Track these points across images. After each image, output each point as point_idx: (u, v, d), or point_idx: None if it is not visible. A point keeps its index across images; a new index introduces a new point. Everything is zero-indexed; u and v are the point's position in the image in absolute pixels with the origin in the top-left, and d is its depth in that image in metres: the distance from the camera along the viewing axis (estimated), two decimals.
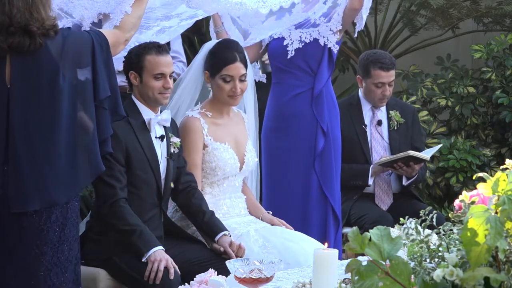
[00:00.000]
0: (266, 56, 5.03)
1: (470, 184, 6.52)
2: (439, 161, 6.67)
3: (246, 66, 4.29)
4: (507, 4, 7.19)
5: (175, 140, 4.07)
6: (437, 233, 2.37)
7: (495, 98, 6.77)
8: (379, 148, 5.33)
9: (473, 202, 2.32)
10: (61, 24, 3.82)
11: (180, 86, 4.44)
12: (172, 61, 4.06)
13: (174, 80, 4.48)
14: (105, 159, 3.70)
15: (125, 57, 4.03)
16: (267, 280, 2.87)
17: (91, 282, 3.89)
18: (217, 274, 3.10)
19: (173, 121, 4.15)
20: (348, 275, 2.22)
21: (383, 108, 5.39)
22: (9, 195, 3.37)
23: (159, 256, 3.75)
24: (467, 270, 2.15)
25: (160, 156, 4.00)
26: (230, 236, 4.01)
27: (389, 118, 5.37)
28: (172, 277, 3.73)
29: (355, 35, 5.06)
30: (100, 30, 3.66)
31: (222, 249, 3.94)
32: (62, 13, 3.84)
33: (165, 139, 4.02)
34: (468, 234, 2.10)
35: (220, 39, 4.55)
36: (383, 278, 2.12)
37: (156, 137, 4.00)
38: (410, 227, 2.38)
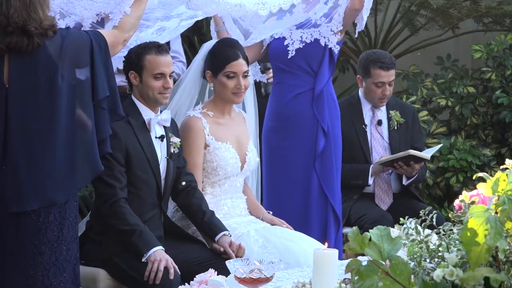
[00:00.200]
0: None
1: (470, 184, 6.52)
2: (439, 161, 6.67)
3: (248, 63, 4.30)
4: (507, 4, 7.19)
5: (175, 140, 4.07)
6: (437, 233, 2.37)
7: (495, 98, 6.77)
8: (379, 148, 5.33)
9: (473, 202, 2.32)
10: (64, 23, 3.83)
11: (180, 87, 4.45)
12: (172, 61, 4.06)
13: (175, 81, 4.49)
14: (105, 159, 3.71)
15: (125, 57, 4.03)
16: (267, 280, 2.87)
17: (91, 282, 3.89)
18: (217, 274, 3.10)
19: (173, 121, 4.15)
20: (348, 275, 2.22)
21: (383, 108, 5.39)
22: (7, 195, 3.38)
23: (159, 256, 3.75)
24: (467, 270, 2.15)
25: (160, 156, 4.00)
26: (230, 236, 4.01)
27: (389, 118, 5.37)
28: (172, 277, 3.73)
29: (356, 36, 5.06)
30: (99, 30, 3.66)
31: (222, 249, 3.94)
32: (64, 12, 3.84)
33: (165, 139, 4.02)
34: (468, 234, 2.10)
35: (218, 39, 4.56)
36: (383, 278, 2.12)
37: (156, 137, 4.00)
38: (410, 227, 2.38)
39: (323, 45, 4.71)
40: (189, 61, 4.90)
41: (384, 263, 2.15)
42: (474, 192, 2.34)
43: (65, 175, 3.43)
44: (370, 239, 2.17)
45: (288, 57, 4.72)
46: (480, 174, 2.33)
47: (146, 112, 4.00)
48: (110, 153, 3.68)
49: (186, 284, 3.09)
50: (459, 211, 2.37)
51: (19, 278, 3.40)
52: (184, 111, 4.39)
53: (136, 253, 3.78)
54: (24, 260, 3.40)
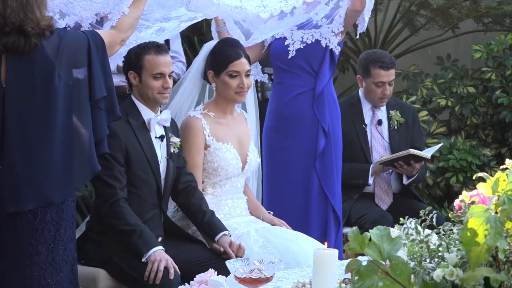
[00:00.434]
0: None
1: (470, 184, 6.52)
2: (439, 161, 6.67)
3: (249, 63, 4.31)
4: (507, 4, 7.19)
5: (175, 140, 4.07)
6: (437, 233, 2.37)
7: (495, 98, 6.77)
8: (379, 147, 5.33)
9: (473, 202, 2.32)
10: (64, 22, 3.83)
11: (181, 88, 4.45)
12: (171, 61, 4.06)
13: (175, 81, 4.49)
14: (104, 159, 3.71)
15: (124, 57, 4.03)
16: (267, 280, 2.87)
17: (91, 282, 3.89)
18: (217, 274, 3.10)
19: (173, 121, 4.15)
20: (348, 275, 2.22)
21: (383, 108, 5.39)
22: (5, 195, 3.38)
23: (159, 256, 3.75)
24: (467, 270, 2.15)
25: (160, 156, 3.99)
26: (230, 236, 4.01)
27: (389, 118, 5.38)
28: (172, 277, 3.73)
29: (357, 36, 5.06)
30: (96, 30, 3.66)
31: (222, 249, 3.94)
32: (63, 11, 3.84)
33: (165, 139, 4.02)
34: (468, 234, 2.10)
35: (220, 39, 4.56)
36: (383, 278, 2.12)
37: (156, 137, 4.00)
38: (410, 227, 2.38)
39: (324, 46, 4.71)
40: (189, 61, 4.90)
41: (384, 263, 2.15)
42: (474, 192, 2.34)
43: (62, 175, 3.43)
44: (370, 239, 2.17)
45: (289, 57, 4.72)
46: (480, 174, 2.33)
47: (146, 112, 4.00)
48: (108, 153, 3.68)
49: (186, 284, 3.09)
50: (459, 211, 2.37)
51: (16, 278, 3.40)
52: (184, 112, 4.39)
53: (136, 253, 3.78)
54: (20, 260, 3.40)
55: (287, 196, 4.77)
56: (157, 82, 3.96)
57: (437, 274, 2.16)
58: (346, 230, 4.97)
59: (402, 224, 2.43)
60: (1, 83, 3.38)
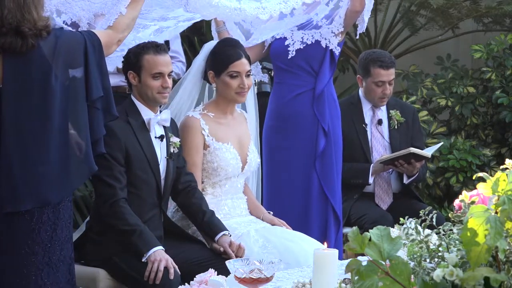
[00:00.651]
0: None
1: (470, 184, 6.52)
2: (439, 161, 6.67)
3: (250, 63, 4.31)
4: (507, 4, 7.19)
5: (175, 140, 4.07)
6: (437, 233, 2.37)
7: (495, 98, 6.78)
8: (379, 147, 5.33)
9: (473, 202, 2.32)
10: (60, 20, 3.82)
11: (181, 88, 4.45)
12: (170, 61, 4.06)
13: (175, 81, 4.48)
14: (104, 159, 3.71)
15: (123, 57, 4.03)
16: (267, 280, 2.87)
17: (91, 282, 3.89)
18: (217, 274, 3.10)
19: (172, 121, 4.15)
20: (348, 275, 2.22)
21: (384, 108, 5.39)
22: (2, 195, 3.37)
23: (159, 256, 3.75)
24: (467, 270, 2.15)
25: (160, 156, 3.99)
26: (230, 236, 4.01)
27: (389, 118, 5.38)
28: (172, 277, 3.73)
29: (357, 37, 5.06)
30: (93, 30, 3.65)
31: (222, 249, 3.94)
32: (62, 10, 3.84)
33: (164, 139, 4.02)
34: (468, 234, 2.10)
35: (220, 39, 4.56)
36: (383, 278, 2.12)
37: (155, 137, 4.00)
38: (410, 227, 2.38)
39: (324, 46, 4.71)
40: (189, 61, 4.89)
41: (384, 263, 2.15)
42: (474, 192, 2.34)
43: (59, 175, 3.42)
44: (370, 239, 2.17)
45: (289, 57, 4.72)
46: (480, 174, 2.33)
47: (145, 112, 4.00)
48: (106, 153, 3.68)
49: (186, 284, 3.09)
50: (459, 211, 2.37)
51: (12, 278, 3.40)
52: (184, 112, 4.39)
53: (136, 253, 3.78)
54: (17, 260, 3.39)
55: (287, 196, 4.77)
56: (157, 81, 3.96)
57: (437, 274, 2.16)
58: (346, 230, 4.97)
59: (402, 224, 2.43)
60: None
